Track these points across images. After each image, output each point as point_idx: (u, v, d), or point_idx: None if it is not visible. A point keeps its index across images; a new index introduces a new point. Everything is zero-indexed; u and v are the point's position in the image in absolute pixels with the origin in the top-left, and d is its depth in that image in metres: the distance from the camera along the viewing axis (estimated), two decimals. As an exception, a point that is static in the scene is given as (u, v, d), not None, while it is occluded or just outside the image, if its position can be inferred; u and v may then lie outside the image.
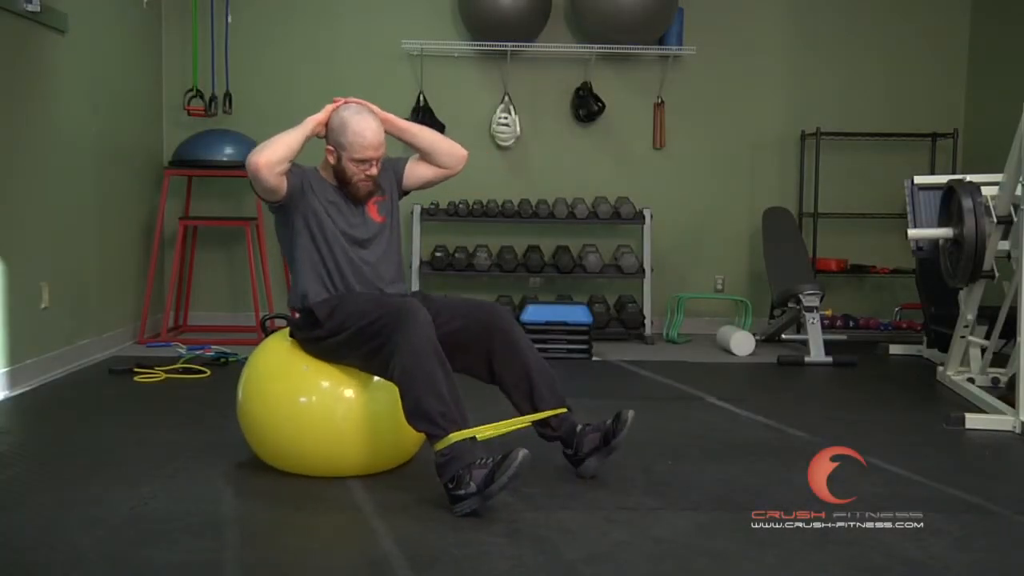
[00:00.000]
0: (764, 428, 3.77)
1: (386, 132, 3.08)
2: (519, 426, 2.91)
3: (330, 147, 3.04)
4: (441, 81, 6.13)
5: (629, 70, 6.24)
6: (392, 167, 3.20)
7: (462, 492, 2.60)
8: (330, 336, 2.91)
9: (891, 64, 6.33)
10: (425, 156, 3.20)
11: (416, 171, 3.22)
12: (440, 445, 2.65)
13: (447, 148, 3.19)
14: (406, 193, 3.29)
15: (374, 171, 3.03)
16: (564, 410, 2.95)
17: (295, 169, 3.00)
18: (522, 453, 2.59)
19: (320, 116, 3.05)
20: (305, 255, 3.03)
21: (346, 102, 3.08)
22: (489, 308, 3.02)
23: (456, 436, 2.65)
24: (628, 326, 5.88)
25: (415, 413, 2.70)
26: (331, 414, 2.92)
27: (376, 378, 2.92)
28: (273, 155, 2.89)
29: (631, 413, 2.95)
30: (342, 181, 3.05)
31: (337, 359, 2.94)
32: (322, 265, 3.02)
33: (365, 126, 2.99)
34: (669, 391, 4.54)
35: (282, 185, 2.95)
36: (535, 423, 2.96)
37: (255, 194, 3.04)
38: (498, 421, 2.84)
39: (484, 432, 2.73)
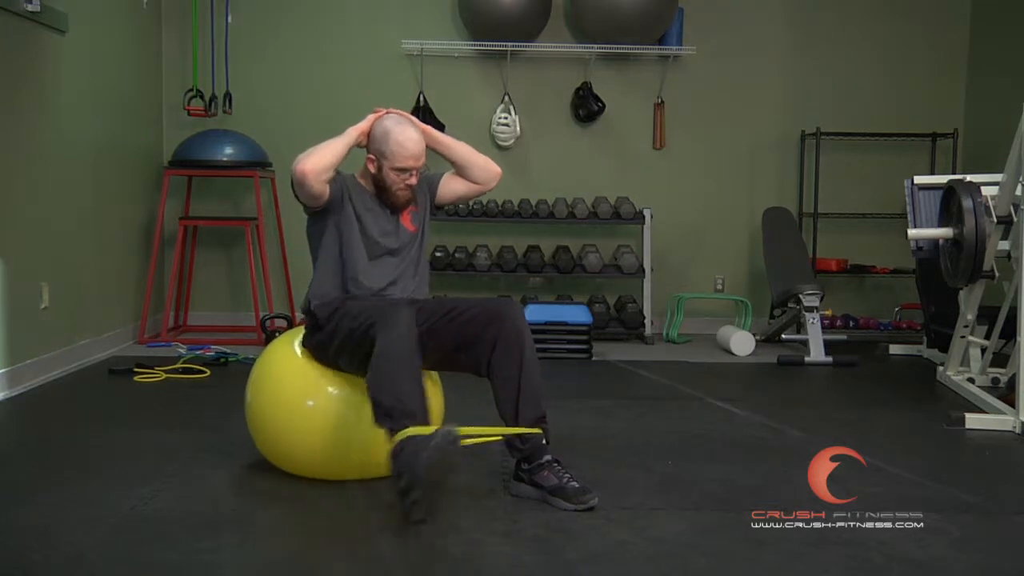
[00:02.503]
0: (764, 428, 3.77)
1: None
2: (491, 439, 2.84)
3: (371, 155, 3.05)
4: (441, 81, 6.13)
5: (629, 70, 6.24)
6: (427, 181, 3.22)
7: (402, 484, 2.51)
8: (329, 340, 2.91)
9: (891, 64, 6.33)
10: (460, 170, 3.21)
11: (450, 186, 3.23)
12: (395, 439, 2.58)
13: (482, 164, 3.20)
14: (439, 208, 3.31)
15: (414, 180, 3.05)
16: (538, 431, 2.83)
17: (336, 176, 3.02)
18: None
19: (363, 125, 3.06)
20: (329, 258, 3.04)
21: (388, 112, 3.10)
22: (504, 303, 3.01)
23: (411, 431, 2.56)
24: (628, 326, 5.88)
25: (376, 411, 2.65)
26: (339, 418, 2.90)
27: None
28: (320, 162, 2.90)
29: (594, 501, 2.71)
30: (381, 189, 3.06)
31: (337, 365, 2.93)
32: (341, 271, 3.02)
33: (407, 136, 3.00)
34: (669, 391, 4.53)
35: (325, 192, 2.97)
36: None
37: (297, 199, 3.03)
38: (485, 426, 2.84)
39: (469, 433, 2.68)
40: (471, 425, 2.75)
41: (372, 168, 3.06)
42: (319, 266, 3.06)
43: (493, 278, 6.14)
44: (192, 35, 5.86)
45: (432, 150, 3.18)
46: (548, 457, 2.81)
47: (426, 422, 2.65)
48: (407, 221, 3.13)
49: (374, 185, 3.08)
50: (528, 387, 2.84)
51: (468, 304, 2.97)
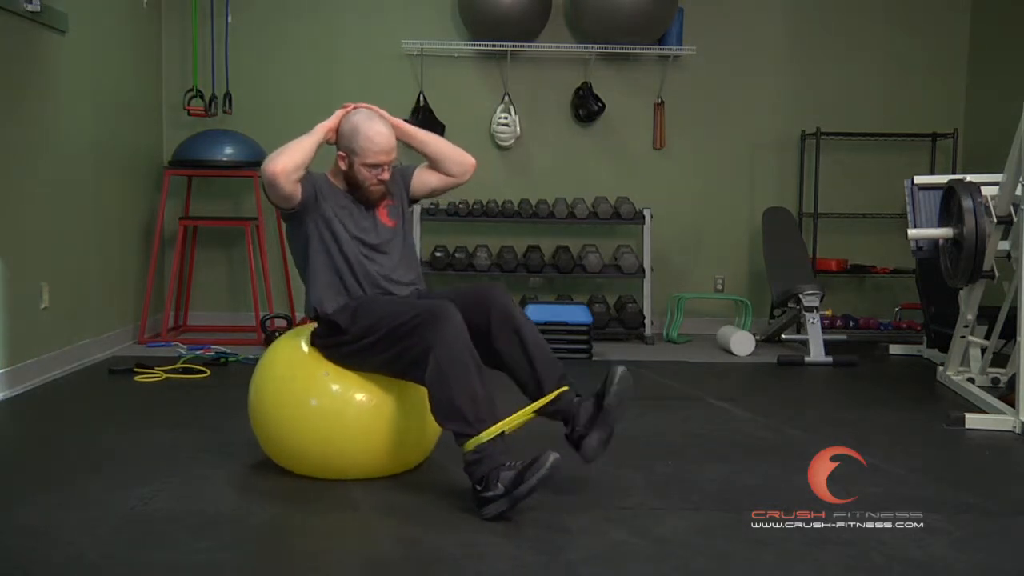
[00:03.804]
0: (764, 428, 3.77)
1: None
2: (527, 417, 2.86)
3: (341, 153, 3.03)
4: (441, 81, 6.13)
5: (629, 70, 6.24)
6: (401, 174, 3.20)
7: (490, 494, 2.59)
8: (357, 340, 2.88)
9: (891, 64, 6.33)
10: (433, 163, 3.20)
11: (424, 179, 3.22)
12: (470, 445, 2.64)
13: (455, 156, 3.18)
14: (415, 201, 3.29)
15: (386, 176, 3.03)
16: (565, 388, 2.87)
17: (307, 176, 2.99)
18: (553, 456, 2.56)
19: (330, 122, 3.03)
20: (319, 262, 3.01)
21: (356, 107, 3.07)
22: (485, 288, 2.99)
23: (486, 435, 2.63)
24: (628, 326, 5.88)
25: (447, 412, 2.69)
26: (341, 417, 2.91)
27: (389, 383, 2.92)
28: (289, 162, 2.88)
29: (620, 369, 2.82)
30: (353, 186, 3.04)
31: (360, 364, 2.91)
32: (335, 272, 3.00)
33: (376, 131, 2.98)
34: (669, 391, 4.53)
35: (297, 192, 2.94)
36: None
37: (270, 202, 3.02)
38: (511, 412, 2.82)
39: (506, 426, 2.72)
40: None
41: (343, 165, 3.03)
42: (314, 271, 3.02)
43: (493, 278, 6.12)
44: (192, 35, 5.86)
45: (405, 144, 3.16)
46: (577, 397, 2.86)
47: (496, 422, 2.68)
48: (384, 216, 3.10)
49: (346, 182, 3.05)
50: (538, 354, 2.86)
51: (453, 296, 2.94)
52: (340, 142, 3.03)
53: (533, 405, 2.84)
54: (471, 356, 2.72)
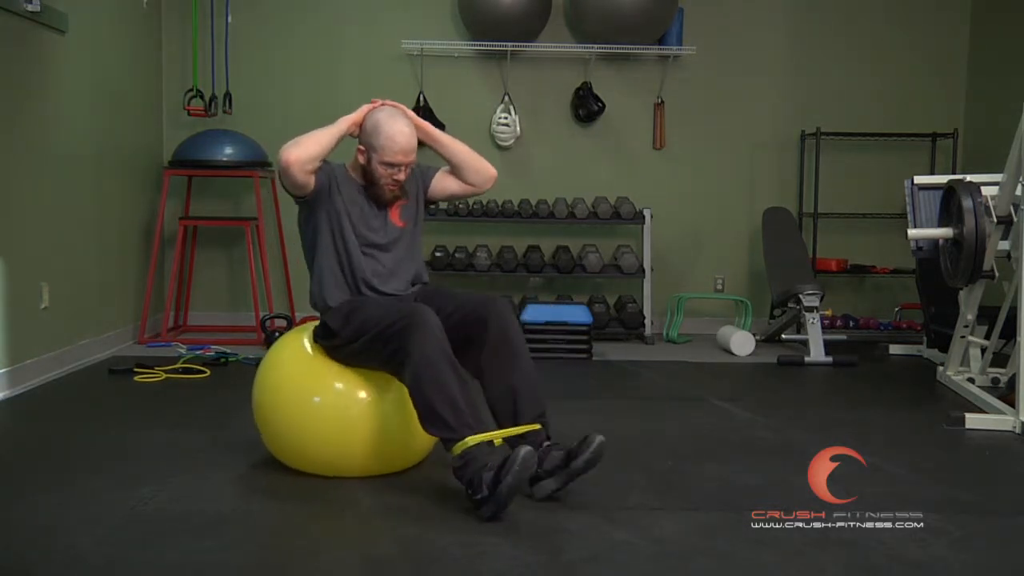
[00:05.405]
0: (764, 428, 3.77)
1: (418, 139, 3.07)
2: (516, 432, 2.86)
3: (361, 147, 3.04)
4: (441, 81, 6.13)
5: (629, 70, 6.24)
6: (420, 175, 3.20)
7: (478, 497, 2.59)
8: (347, 344, 2.91)
9: (891, 64, 6.33)
10: (454, 170, 3.19)
11: (443, 183, 3.21)
12: (456, 450, 2.64)
13: (477, 165, 3.18)
14: (431, 203, 3.28)
15: (402, 176, 3.03)
16: (537, 427, 2.80)
17: (324, 166, 3.00)
18: (523, 451, 2.56)
19: (355, 116, 3.04)
20: (324, 255, 3.03)
21: (383, 104, 3.08)
22: (489, 301, 2.94)
23: (473, 440, 2.63)
24: (628, 326, 5.88)
25: (428, 419, 2.69)
26: (345, 414, 2.92)
27: (391, 381, 2.93)
28: (305, 152, 2.90)
29: (599, 438, 2.72)
30: (369, 182, 3.05)
31: (359, 365, 2.94)
32: (339, 266, 3.02)
33: (398, 130, 2.98)
34: (669, 391, 4.53)
35: (310, 182, 2.96)
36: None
37: (283, 188, 3.04)
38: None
39: (499, 436, 2.72)
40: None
41: (362, 159, 3.04)
42: (318, 265, 3.04)
43: (493, 278, 6.13)
44: (192, 35, 5.86)
45: (428, 147, 3.17)
46: (545, 443, 2.77)
47: (484, 428, 2.67)
48: (395, 217, 3.11)
49: (363, 178, 3.06)
50: (524, 386, 2.81)
51: (454, 305, 2.94)
52: (362, 136, 3.04)
53: (503, 432, 2.77)
54: (447, 361, 2.70)
